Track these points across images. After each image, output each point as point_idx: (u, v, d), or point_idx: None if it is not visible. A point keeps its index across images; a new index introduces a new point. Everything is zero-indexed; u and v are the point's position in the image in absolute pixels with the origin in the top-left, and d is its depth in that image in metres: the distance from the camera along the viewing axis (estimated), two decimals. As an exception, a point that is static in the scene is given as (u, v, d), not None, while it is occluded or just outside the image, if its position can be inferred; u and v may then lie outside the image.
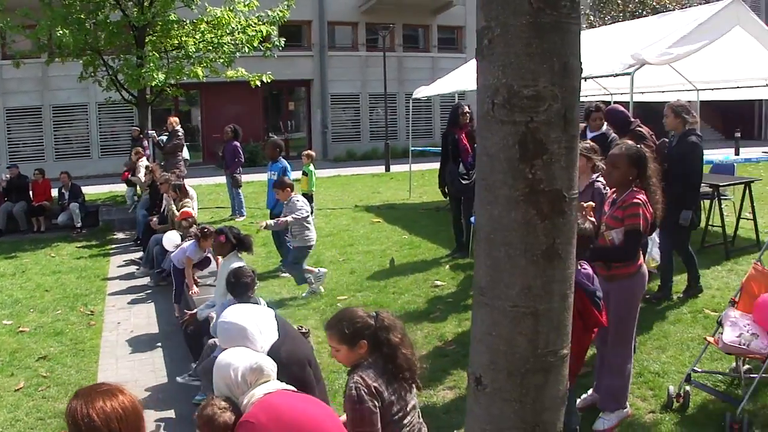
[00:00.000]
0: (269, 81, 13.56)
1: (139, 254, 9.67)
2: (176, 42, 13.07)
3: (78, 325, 6.85)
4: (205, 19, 12.94)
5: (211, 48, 12.72)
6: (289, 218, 6.98)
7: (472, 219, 7.32)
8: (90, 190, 14.39)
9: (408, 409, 2.88)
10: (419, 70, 23.72)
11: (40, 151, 20.17)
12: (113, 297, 8.00)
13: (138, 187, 12.11)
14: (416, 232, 9.85)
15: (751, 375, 4.24)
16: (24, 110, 19.96)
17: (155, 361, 5.99)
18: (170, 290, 7.14)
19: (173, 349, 6.15)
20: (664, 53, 7.03)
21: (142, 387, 5.36)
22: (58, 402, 4.96)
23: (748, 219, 8.27)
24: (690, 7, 16.78)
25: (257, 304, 4.27)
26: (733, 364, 4.48)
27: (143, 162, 11.97)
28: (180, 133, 12.23)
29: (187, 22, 13.02)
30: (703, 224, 8.07)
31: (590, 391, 4.38)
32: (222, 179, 13.01)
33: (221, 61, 12.86)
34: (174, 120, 12.46)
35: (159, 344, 6.41)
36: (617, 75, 7.41)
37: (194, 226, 7.22)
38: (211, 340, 4.82)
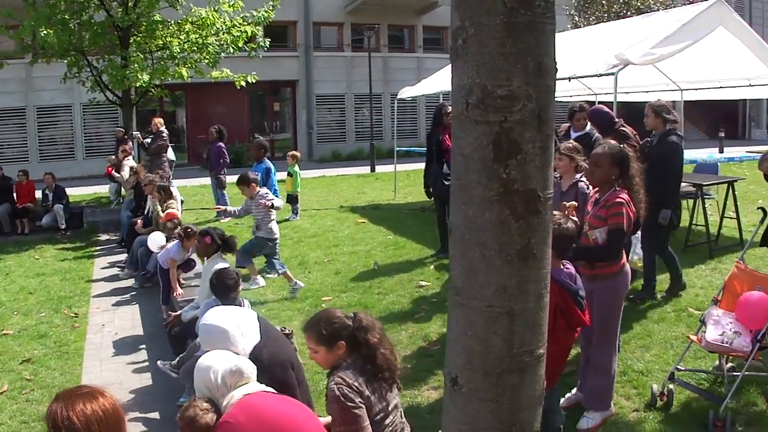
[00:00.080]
0: (254, 81, 13.54)
1: (124, 256, 9.61)
2: (161, 42, 12.95)
3: (62, 328, 6.81)
4: (190, 20, 12.85)
5: (195, 48, 12.64)
6: (276, 201, 6.94)
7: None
8: (74, 192, 14.30)
9: (390, 409, 2.87)
10: (404, 71, 23.78)
11: (24, 152, 19.99)
12: (98, 299, 7.95)
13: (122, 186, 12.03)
14: (401, 232, 9.84)
15: (734, 373, 4.27)
16: (8, 111, 19.76)
17: (140, 364, 5.97)
18: (155, 292, 7.11)
19: (158, 351, 6.10)
20: (648, 53, 7.08)
21: (126, 389, 5.35)
22: (42, 405, 4.92)
23: (731, 218, 8.35)
24: (674, 7, 16.95)
25: (241, 305, 4.26)
26: (717, 362, 4.50)
27: (129, 162, 11.91)
28: (165, 134, 12.13)
29: (172, 22, 12.93)
30: (686, 223, 8.14)
31: (574, 390, 4.40)
32: (207, 180, 12.96)
33: (206, 61, 12.79)
34: (159, 121, 12.37)
35: (143, 346, 6.38)
36: (601, 75, 7.46)
37: (179, 227, 7.19)
38: (195, 340, 4.79)
